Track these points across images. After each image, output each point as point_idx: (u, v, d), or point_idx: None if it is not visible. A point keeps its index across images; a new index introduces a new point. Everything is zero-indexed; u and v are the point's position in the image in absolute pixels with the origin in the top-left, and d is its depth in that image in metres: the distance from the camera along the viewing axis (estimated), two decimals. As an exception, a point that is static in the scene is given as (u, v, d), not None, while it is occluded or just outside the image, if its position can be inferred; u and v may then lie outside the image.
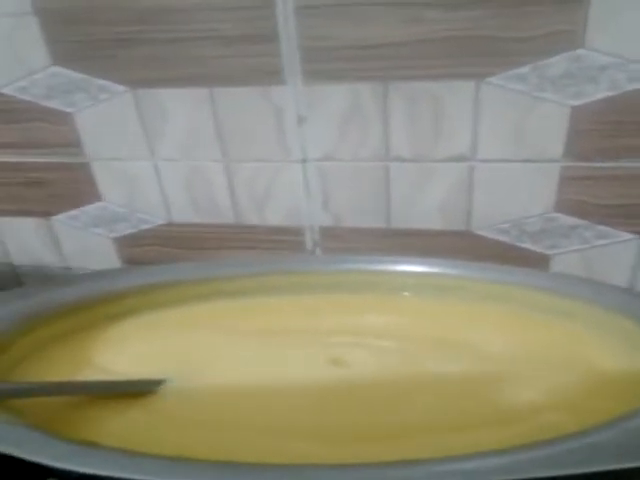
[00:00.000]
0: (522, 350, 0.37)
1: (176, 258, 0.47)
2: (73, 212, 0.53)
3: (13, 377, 0.33)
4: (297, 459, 0.26)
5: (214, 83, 0.44)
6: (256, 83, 0.43)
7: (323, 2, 0.39)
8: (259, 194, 0.48)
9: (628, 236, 0.43)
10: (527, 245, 0.46)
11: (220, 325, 0.41)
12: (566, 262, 0.46)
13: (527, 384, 0.34)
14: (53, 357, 0.36)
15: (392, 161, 0.44)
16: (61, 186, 0.52)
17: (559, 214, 0.44)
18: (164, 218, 0.52)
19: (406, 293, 0.43)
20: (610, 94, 0.38)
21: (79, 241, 0.55)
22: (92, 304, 0.40)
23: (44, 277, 0.57)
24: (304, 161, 0.46)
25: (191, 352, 0.38)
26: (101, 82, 0.45)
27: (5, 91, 0.47)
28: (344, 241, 0.49)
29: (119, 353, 0.38)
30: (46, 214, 0.54)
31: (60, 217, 0.54)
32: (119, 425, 0.31)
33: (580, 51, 0.37)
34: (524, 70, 0.39)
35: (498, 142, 0.42)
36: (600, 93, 0.38)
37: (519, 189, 0.43)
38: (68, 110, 0.47)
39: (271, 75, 0.42)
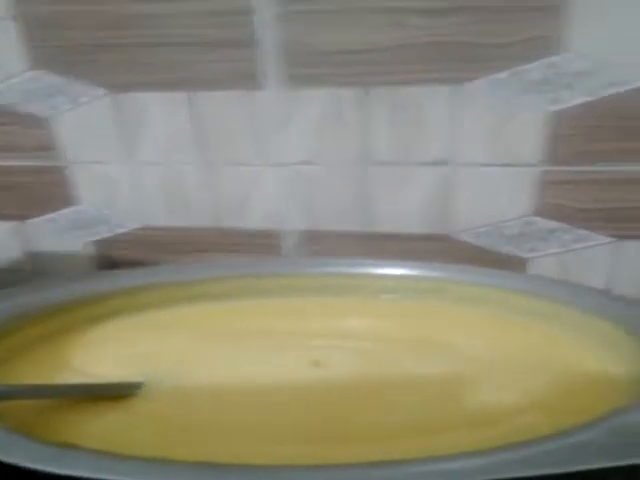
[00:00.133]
0: (501, 352, 0.37)
1: (153, 262, 0.47)
2: (49, 216, 0.52)
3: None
4: (277, 460, 0.25)
5: (194, 87, 0.44)
6: (236, 88, 0.43)
7: (303, 8, 0.39)
8: (238, 198, 0.48)
9: (605, 239, 0.44)
10: (506, 248, 0.46)
11: (199, 328, 0.41)
12: (544, 265, 0.46)
13: (506, 385, 0.34)
14: (32, 360, 0.36)
15: (372, 165, 0.44)
16: (38, 190, 0.51)
17: (538, 218, 0.44)
18: (141, 222, 0.51)
19: (386, 296, 0.43)
20: (587, 99, 0.39)
21: (55, 245, 0.54)
22: (71, 307, 0.40)
23: (20, 281, 0.56)
24: (283, 165, 0.46)
25: (171, 354, 0.37)
26: (80, 86, 0.45)
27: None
28: (323, 245, 0.49)
29: (98, 356, 0.37)
30: (22, 217, 0.53)
31: (36, 220, 0.53)
32: (99, 427, 0.30)
33: (557, 57, 0.38)
34: (503, 75, 0.39)
35: (477, 146, 0.42)
36: (577, 98, 0.39)
37: (498, 193, 0.44)
38: (46, 114, 0.47)
39: (251, 80, 0.43)
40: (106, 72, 0.44)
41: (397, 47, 0.40)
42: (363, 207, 0.47)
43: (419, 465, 0.24)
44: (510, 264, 0.46)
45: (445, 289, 0.42)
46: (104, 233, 0.53)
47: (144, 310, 0.41)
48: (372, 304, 0.43)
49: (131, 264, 0.46)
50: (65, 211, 0.52)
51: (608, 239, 0.44)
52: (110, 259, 0.54)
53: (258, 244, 0.50)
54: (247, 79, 0.43)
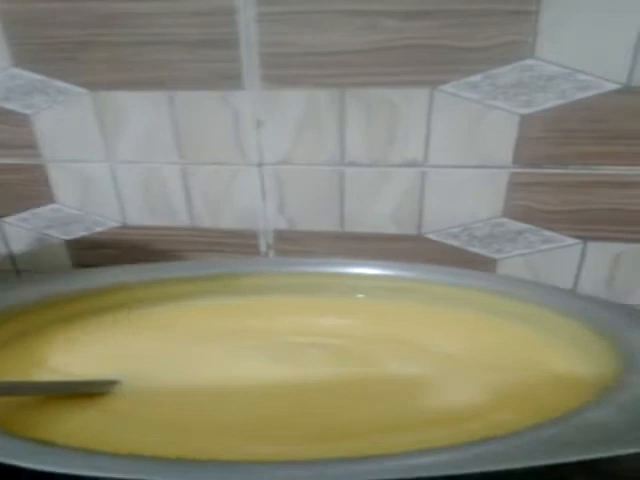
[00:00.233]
0: (471, 351, 0.38)
1: (130, 261, 0.47)
2: (25, 214, 0.52)
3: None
4: (251, 458, 0.26)
5: (173, 87, 0.44)
6: (215, 87, 0.43)
7: (283, 9, 0.39)
8: (215, 197, 0.48)
9: (572, 241, 0.45)
10: (476, 249, 0.47)
11: (175, 327, 0.41)
12: (512, 265, 0.47)
13: (477, 384, 0.34)
14: (8, 358, 0.36)
15: (347, 166, 0.45)
16: (15, 188, 0.51)
17: (506, 219, 0.45)
18: (119, 220, 0.51)
19: (360, 295, 0.44)
20: (559, 103, 0.40)
21: (31, 243, 0.54)
22: (47, 305, 0.39)
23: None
24: (260, 165, 0.46)
25: (146, 353, 0.37)
26: (60, 84, 0.45)
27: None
28: (299, 244, 0.49)
29: (74, 354, 0.37)
30: (-1, 215, 0.53)
31: (14, 218, 0.53)
32: (73, 425, 0.30)
33: (530, 61, 0.39)
34: (476, 79, 0.40)
35: (450, 148, 0.43)
36: (549, 102, 0.40)
37: (469, 194, 0.44)
38: (26, 112, 0.47)
39: (230, 80, 0.43)
40: (86, 71, 0.44)
41: (373, 49, 0.40)
42: (338, 207, 0.47)
43: (390, 460, 0.25)
44: (480, 264, 0.47)
45: (418, 289, 0.42)
46: (82, 232, 0.52)
47: (120, 309, 0.41)
48: (347, 303, 0.44)
49: (109, 263, 0.46)
50: (43, 209, 0.52)
51: (574, 240, 0.45)
52: (88, 258, 0.53)
53: (235, 243, 0.50)
54: (227, 79, 0.43)
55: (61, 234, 0.53)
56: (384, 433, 0.30)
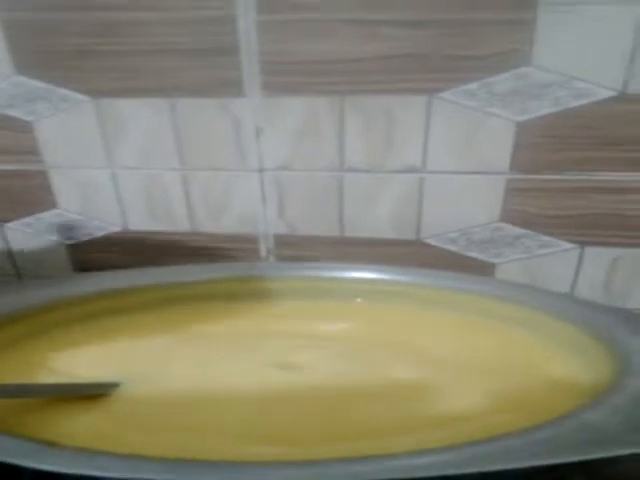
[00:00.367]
0: (469, 354, 0.38)
1: (131, 265, 0.47)
2: (28, 219, 0.52)
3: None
4: (252, 459, 0.26)
5: (174, 94, 0.44)
6: (215, 95, 0.44)
7: (283, 18, 0.40)
8: (216, 202, 0.49)
9: (569, 245, 0.45)
10: (474, 254, 0.47)
11: (176, 330, 0.41)
12: (510, 270, 0.47)
13: (474, 387, 0.34)
14: (11, 360, 0.36)
15: (346, 172, 0.45)
16: (17, 193, 0.51)
17: (504, 224, 0.45)
18: (120, 225, 0.51)
19: (359, 299, 0.44)
20: (554, 110, 0.40)
21: (33, 248, 0.54)
22: (49, 309, 0.39)
23: (0, 283, 0.56)
24: (261, 170, 0.46)
25: (147, 356, 0.37)
26: (63, 91, 0.45)
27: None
28: (298, 249, 0.50)
29: (76, 357, 0.37)
30: (2, 220, 0.53)
31: (16, 224, 0.53)
32: (75, 426, 0.30)
33: (526, 69, 0.39)
34: (473, 86, 0.40)
35: (447, 154, 0.43)
36: (545, 109, 0.40)
37: (467, 200, 0.45)
38: (29, 118, 0.47)
39: (230, 87, 0.43)
40: (88, 78, 0.44)
41: (371, 58, 0.40)
42: (338, 212, 0.47)
43: (390, 460, 0.25)
44: (478, 269, 0.47)
45: (417, 293, 0.43)
46: (84, 237, 0.53)
47: (121, 312, 0.41)
48: (346, 307, 0.44)
49: (110, 267, 0.46)
50: (46, 214, 0.52)
51: (572, 245, 0.45)
52: (89, 262, 0.54)
53: (236, 248, 0.51)
54: (227, 86, 0.43)
55: (64, 239, 0.53)
56: (383, 435, 0.30)
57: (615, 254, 0.45)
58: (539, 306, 0.39)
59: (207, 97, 0.44)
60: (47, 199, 0.51)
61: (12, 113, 0.47)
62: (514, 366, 0.36)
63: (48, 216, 0.52)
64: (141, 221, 0.51)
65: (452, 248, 0.47)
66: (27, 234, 0.54)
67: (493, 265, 0.47)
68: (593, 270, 0.46)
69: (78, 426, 0.31)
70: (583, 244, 0.45)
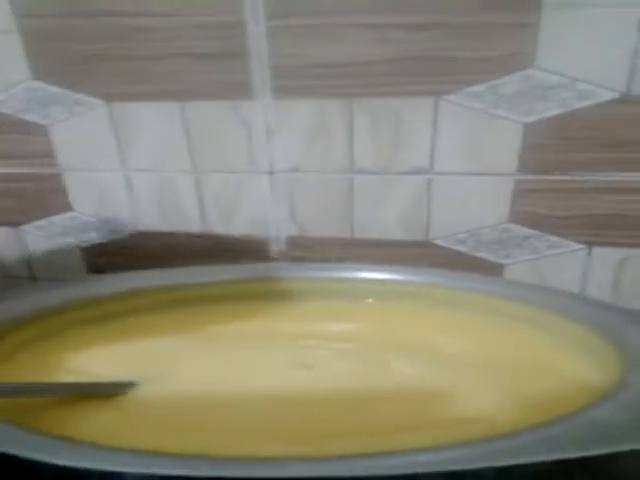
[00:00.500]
0: (480, 354, 0.38)
1: (143, 267, 0.48)
2: (42, 222, 0.53)
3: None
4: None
5: (186, 97, 0.45)
6: (227, 98, 0.44)
7: (292, 22, 0.40)
8: (227, 204, 0.49)
9: (577, 246, 0.45)
10: (483, 254, 0.47)
11: (189, 330, 0.42)
12: (519, 271, 0.47)
13: (486, 386, 0.34)
14: (27, 360, 0.36)
15: (356, 173, 0.46)
16: (32, 196, 0.52)
17: (513, 225, 0.45)
18: (133, 227, 0.52)
19: (370, 299, 0.45)
20: (560, 111, 0.40)
21: (47, 251, 0.55)
22: (64, 310, 0.40)
23: (15, 285, 0.57)
24: (271, 173, 0.47)
25: (161, 356, 0.38)
26: (77, 96, 0.46)
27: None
28: (309, 250, 0.50)
29: (91, 357, 0.38)
30: (17, 223, 0.54)
31: (31, 226, 0.54)
32: (90, 425, 0.30)
33: (531, 71, 0.39)
34: (480, 88, 0.40)
35: (455, 156, 0.43)
36: (550, 110, 0.40)
37: (475, 201, 0.45)
38: (43, 122, 0.48)
39: (241, 90, 0.43)
40: (102, 83, 0.45)
41: (379, 61, 0.41)
42: (348, 214, 0.48)
43: (399, 456, 0.25)
44: (487, 270, 0.47)
45: (427, 293, 0.43)
46: (97, 239, 0.53)
47: (135, 313, 0.42)
48: (357, 307, 0.44)
49: (123, 269, 0.47)
50: (59, 217, 0.53)
51: (580, 245, 0.45)
52: (103, 265, 0.54)
53: (247, 249, 0.51)
54: (238, 89, 0.43)
55: (78, 241, 0.54)
56: (394, 433, 0.30)
57: (623, 254, 0.45)
58: (549, 306, 0.40)
59: (218, 100, 0.44)
60: (61, 202, 0.52)
61: (27, 117, 0.48)
62: (524, 365, 0.37)
63: (62, 219, 0.53)
64: (154, 223, 0.51)
65: (461, 249, 0.47)
66: (41, 237, 0.54)
67: (502, 266, 0.47)
68: (601, 270, 0.46)
69: (93, 425, 0.31)
70: (591, 244, 0.45)
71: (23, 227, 0.54)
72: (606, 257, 0.45)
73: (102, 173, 0.50)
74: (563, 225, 0.45)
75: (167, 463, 0.24)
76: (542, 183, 0.43)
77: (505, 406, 0.33)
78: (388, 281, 0.44)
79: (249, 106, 0.44)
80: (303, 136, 0.45)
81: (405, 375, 0.37)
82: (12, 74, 0.46)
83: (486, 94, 0.41)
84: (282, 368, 0.37)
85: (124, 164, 0.49)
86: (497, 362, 0.37)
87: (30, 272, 0.57)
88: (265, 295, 0.44)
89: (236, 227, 0.50)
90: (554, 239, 0.45)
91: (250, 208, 0.49)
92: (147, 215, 0.51)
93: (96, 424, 0.31)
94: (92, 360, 0.37)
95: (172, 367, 0.37)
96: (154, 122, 0.46)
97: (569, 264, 0.46)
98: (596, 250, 0.45)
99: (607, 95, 0.39)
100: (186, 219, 0.51)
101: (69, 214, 0.52)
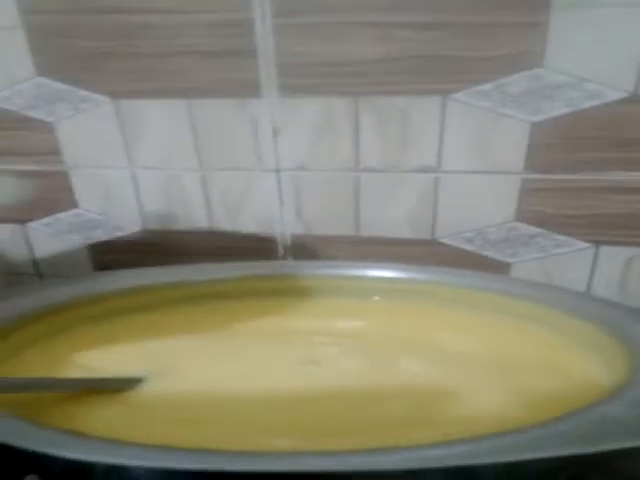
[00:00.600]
0: (488, 352, 0.38)
1: (149, 264, 0.48)
2: (48, 219, 0.53)
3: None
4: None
5: (192, 95, 0.44)
6: (233, 96, 0.44)
7: (299, 21, 0.40)
8: (233, 202, 0.49)
9: (584, 245, 0.45)
10: (489, 253, 0.47)
11: (197, 327, 0.42)
12: (525, 269, 0.47)
13: (493, 384, 0.34)
14: (35, 356, 0.37)
15: (362, 172, 0.46)
16: (40, 193, 0.52)
17: (519, 223, 0.45)
18: (139, 225, 0.52)
19: (376, 297, 0.45)
20: (567, 111, 0.40)
21: (53, 248, 0.55)
22: (72, 306, 0.40)
23: (21, 282, 0.57)
24: (278, 171, 0.47)
25: (168, 352, 0.38)
26: (83, 93, 0.46)
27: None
28: (315, 248, 0.50)
29: (99, 352, 0.38)
30: (24, 220, 0.54)
31: (37, 223, 0.54)
32: (98, 419, 0.31)
33: (539, 70, 0.39)
34: (487, 87, 0.40)
35: (462, 155, 0.43)
36: (558, 110, 0.40)
37: (482, 199, 0.45)
38: (50, 119, 0.48)
39: (248, 88, 0.43)
40: (108, 80, 0.45)
41: (386, 59, 0.41)
42: (353, 212, 0.48)
43: (407, 451, 0.25)
44: (494, 268, 0.48)
45: (434, 291, 0.43)
46: (103, 236, 0.53)
47: (141, 310, 0.42)
48: (364, 305, 0.44)
49: (129, 266, 0.47)
50: (66, 214, 0.53)
51: (587, 244, 0.45)
52: (109, 262, 0.54)
53: (253, 247, 0.51)
54: (245, 88, 0.43)
55: (84, 239, 0.54)
56: (400, 429, 0.31)
57: (630, 253, 0.45)
58: (557, 304, 0.40)
59: (225, 98, 0.44)
60: (67, 199, 0.52)
61: (33, 114, 0.48)
62: (531, 364, 0.37)
63: (68, 216, 0.53)
64: (160, 221, 0.51)
65: (468, 247, 0.47)
66: (47, 234, 0.54)
67: (508, 264, 0.47)
68: (608, 269, 0.46)
69: (102, 419, 0.31)
70: (598, 243, 0.45)
71: (29, 224, 0.54)
72: (613, 256, 0.45)
73: (108, 170, 0.50)
74: (570, 224, 0.45)
75: (176, 457, 0.24)
76: (549, 182, 0.43)
77: (512, 404, 0.33)
78: (395, 279, 0.44)
79: (256, 104, 0.44)
80: (309, 134, 0.45)
81: (412, 373, 0.37)
82: (17, 70, 0.46)
83: (493, 93, 0.41)
84: (290, 364, 0.37)
85: (130, 161, 0.49)
86: (504, 360, 0.37)
87: (36, 269, 0.57)
88: (272, 292, 0.45)
89: (242, 225, 0.50)
90: (561, 238, 0.45)
91: (256, 206, 0.49)
92: (153, 213, 0.51)
93: (104, 419, 0.31)
94: (99, 356, 0.38)
95: (179, 363, 0.37)
96: (161, 120, 0.46)
97: (576, 263, 0.46)
98: (603, 249, 0.45)
99: (615, 95, 0.39)
100: (192, 217, 0.51)
101: (75, 211, 0.52)
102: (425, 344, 0.39)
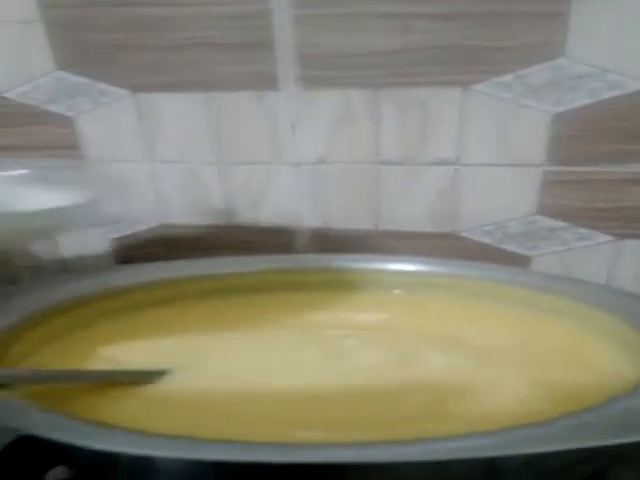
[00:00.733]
0: (512, 345, 0.38)
1: (170, 258, 0.48)
2: (70, 213, 0.53)
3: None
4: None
5: (211, 88, 0.45)
6: (252, 89, 0.44)
7: (318, 12, 0.40)
8: (252, 196, 0.49)
9: (605, 238, 0.45)
10: (509, 246, 0.47)
11: (220, 320, 0.42)
12: (546, 263, 0.47)
13: (517, 377, 0.34)
14: (58, 350, 0.37)
15: (382, 164, 0.46)
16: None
17: (540, 216, 0.45)
18: (160, 219, 0.52)
19: (398, 291, 0.44)
20: (589, 102, 0.40)
21: (75, 242, 0.55)
22: (93, 301, 0.40)
23: (43, 276, 0.57)
24: (297, 164, 0.47)
25: (192, 346, 0.38)
26: (103, 86, 0.46)
27: (9, 95, 0.48)
28: (335, 242, 0.50)
29: (122, 345, 0.38)
30: (44, 215, 0.54)
31: (57, 218, 0.54)
32: (122, 412, 0.31)
33: (560, 61, 0.39)
34: (508, 78, 0.40)
35: (483, 147, 0.43)
36: (579, 101, 0.40)
37: (502, 192, 0.45)
38: (70, 113, 0.48)
39: (266, 81, 0.44)
40: (127, 73, 0.45)
41: (405, 50, 0.41)
42: (373, 206, 0.48)
43: (428, 443, 0.25)
44: (514, 262, 0.47)
45: (456, 284, 0.43)
46: (124, 230, 0.54)
47: (165, 304, 0.42)
48: (385, 298, 0.44)
49: (150, 260, 0.47)
50: (86, 209, 0.53)
51: (608, 238, 0.45)
52: (129, 256, 0.54)
53: (272, 241, 0.51)
54: (263, 80, 0.44)
55: (104, 233, 0.54)
56: (423, 423, 0.30)
57: (654, 246, 0.45)
58: (581, 297, 0.39)
59: (242, 91, 0.45)
60: (88, 193, 0.52)
61: (53, 108, 0.48)
62: (556, 357, 0.36)
63: (88, 210, 0.53)
64: (179, 214, 0.52)
65: (488, 241, 0.47)
66: (69, 228, 0.55)
67: (529, 258, 0.47)
68: (630, 263, 0.46)
69: (126, 412, 0.31)
70: (620, 237, 0.45)
71: (51, 218, 0.54)
72: (635, 249, 0.45)
73: (128, 164, 0.50)
74: (592, 217, 0.44)
75: (203, 448, 0.24)
76: (571, 175, 0.43)
77: (536, 397, 0.32)
78: (416, 273, 0.44)
79: (274, 97, 0.44)
80: (329, 127, 0.45)
81: (435, 366, 0.36)
82: (36, 64, 0.46)
83: (514, 84, 0.41)
84: (312, 357, 0.37)
85: (149, 156, 0.49)
86: (528, 354, 0.37)
87: (59, 263, 0.57)
88: (294, 286, 0.44)
89: (261, 219, 0.50)
90: (582, 231, 0.45)
91: (275, 200, 0.49)
92: (172, 206, 0.51)
93: (128, 411, 0.31)
94: (123, 350, 0.38)
95: (203, 356, 0.37)
96: (179, 113, 0.46)
97: (597, 256, 0.46)
98: (625, 242, 0.45)
99: (637, 85, 0.39)
100: (212, 210, 0.51)
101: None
102: (447, 338, 0.39)
